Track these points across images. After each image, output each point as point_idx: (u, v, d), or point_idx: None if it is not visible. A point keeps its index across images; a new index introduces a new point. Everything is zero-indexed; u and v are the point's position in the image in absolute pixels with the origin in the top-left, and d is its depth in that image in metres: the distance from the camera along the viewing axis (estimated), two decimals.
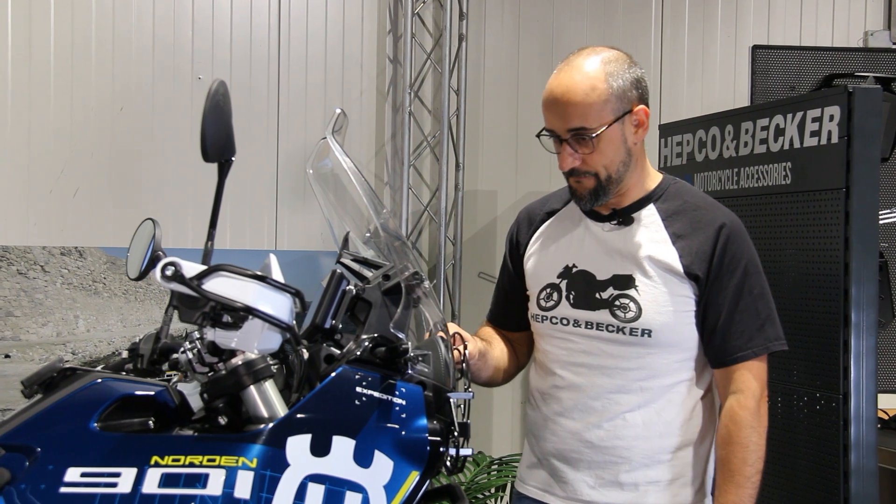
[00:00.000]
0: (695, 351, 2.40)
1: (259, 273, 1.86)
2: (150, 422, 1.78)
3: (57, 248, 4.48)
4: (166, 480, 1.67)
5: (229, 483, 1.68)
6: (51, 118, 4.52)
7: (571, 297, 2.45)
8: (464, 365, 2.16)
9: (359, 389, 1.84)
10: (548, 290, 2.50)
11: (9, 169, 4.45)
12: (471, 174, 5.22)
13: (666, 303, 2.35)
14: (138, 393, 1.81)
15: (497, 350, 2.56)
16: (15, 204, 4.46)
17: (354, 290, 2.01)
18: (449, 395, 1.98)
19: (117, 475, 1.67)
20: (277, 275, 1.91)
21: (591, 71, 2.33)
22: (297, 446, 1.74)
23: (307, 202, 4.77)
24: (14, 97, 4.46)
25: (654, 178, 2.49)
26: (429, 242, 5.25)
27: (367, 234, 2.37)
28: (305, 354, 1.90)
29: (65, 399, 1.78)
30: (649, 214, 2.43)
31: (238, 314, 1.83)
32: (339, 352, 1.92)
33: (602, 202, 2.42)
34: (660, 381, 2.38)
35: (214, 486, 1.67)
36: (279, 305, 1.85)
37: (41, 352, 4.39)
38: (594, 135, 2.31)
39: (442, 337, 2.10)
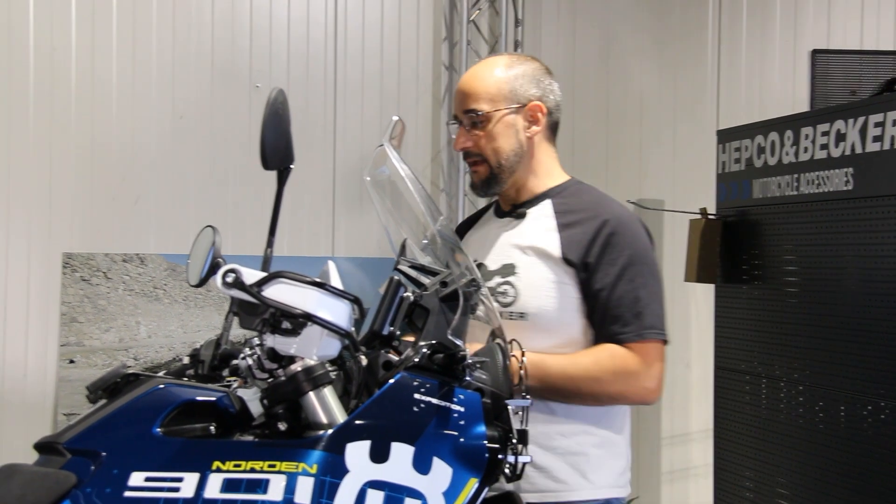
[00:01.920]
0: (579, 336, 2.43)
1: (318, 280, 1.87)
2: (212, 427, 1.80)
3: (119, 254, 4.54)
4: (228, 486, 1.69)
5: (290, 489, 1.69)
6: (113, 127, 4.58)
7: None
8: (522, 372, 2.15)
9: (417, 396, 1.84)
10: None
11: (72, 177, 4.52)
12: None
13: (542, 287, 2.42)
14: (200, 398, 1.82)
15: None
16: (78, 212, 4.53)
17: (412, 297, 2.01)
18: (507, 402, 1.97)
19: (180, 480, 1.69)
20: (336, 282, 1.91)
21: (494, 64, 2.58)
22: (357, 452, 1.75)
23: (364, 209, 4.79)
24: (77, 106, 4.53)
25: (558, 179, 2.62)
26: None
27: (425, 241, 2.37)
28: (364, 361, 1.90)
29: (128, 404, 1.80)
30: (543, 208, 2.55)
31: (297, 321, 1.84)
32: (397, 358, 1.93)
33: (495, 191, 2.58)
34: None
35: (275, 492, 1.68)
36: (338, 312, 1.86)
37: (104, 357, 4.45)
38: (480, 112, 2.49)
39: (499, 344, 2.10)
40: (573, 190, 2.61)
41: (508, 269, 2.47)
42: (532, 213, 2.55)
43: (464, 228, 2.80)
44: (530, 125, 2.55)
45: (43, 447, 1.82)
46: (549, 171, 2.62)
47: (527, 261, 2.45)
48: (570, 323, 2.42)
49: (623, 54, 5.43)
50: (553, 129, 2.62)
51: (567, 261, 2.42)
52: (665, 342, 2.44)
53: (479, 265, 2.54)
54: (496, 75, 2.54)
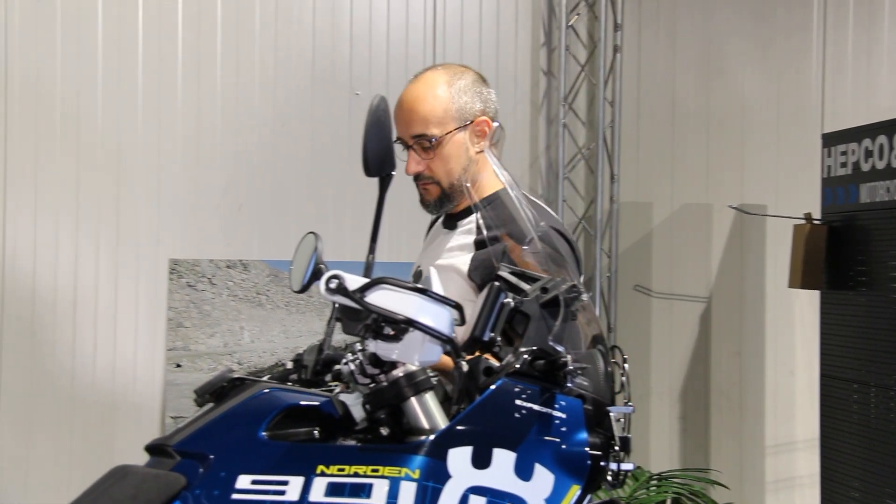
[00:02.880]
0: None
1: (420, 286, 1.88)
2: (315, 431, 1.82)
3: (223, 261, 4.62)
4: (332, 490, 1.70)
5: (392, 493, 1.70)
6: (217, 136, 4.67)
7: None
8: (624, 379, 2.13)
9: (518, 402, 1.83)
10: None
11: (178, 186, 4.62)
12: (626, 186, 5.17)
13: None
14: (303, 403, 1.85)
15: None
16: (184, 219, 4.63)
17: (512, 303, 2.01)
18: (609, 408, 1.96)
19: (285, 483, 1.71)
20: (438, 287, 1.92)
21: (435, 83, 2.56)
22: (459, 458, 1.75)
23: None
24: (184, 117, 4.63)
25: (495, 187, 2.58)
26: (584, 255, 5.22)
27: (525, 247, 2.37)
28: (465, 367, 1.91)
29: (235, 408, 1.83)
30: (469, 222, 2.57)
31: (399, 326, 1.85)
32: (497, 364, 1.93)
33: (447, 209, 2.59)
34: None
35: (378, 497, 1.70)
36: (440, 318, 1.86)
37: (209, 361, 4.54)
38: (434, 139, 2.50)
39: (601, 350, 2.09)
40: (501, 202, 2.57)
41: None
42: (461, 225, 2.60)
43: (430, 228, 2.85)
44: (479, 140, 2.57)
45: (153, 449, 1.86)
46: (489, 179, 2.61)
47: (443, 276, 2.40)
48: None
49: (724, 56, 5.35)
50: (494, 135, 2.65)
51: (472, 279, 2.45)
52: None
53: (419, 271, 2.64)
54: (440, 95, 2.54)
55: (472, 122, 2.55)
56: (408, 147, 2.56)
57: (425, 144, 2.51)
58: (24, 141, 4.41)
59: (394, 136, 2.10)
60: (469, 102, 2.55)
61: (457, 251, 2.53)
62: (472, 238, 2.54)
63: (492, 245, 2.46)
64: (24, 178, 4.41)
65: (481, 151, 2.58)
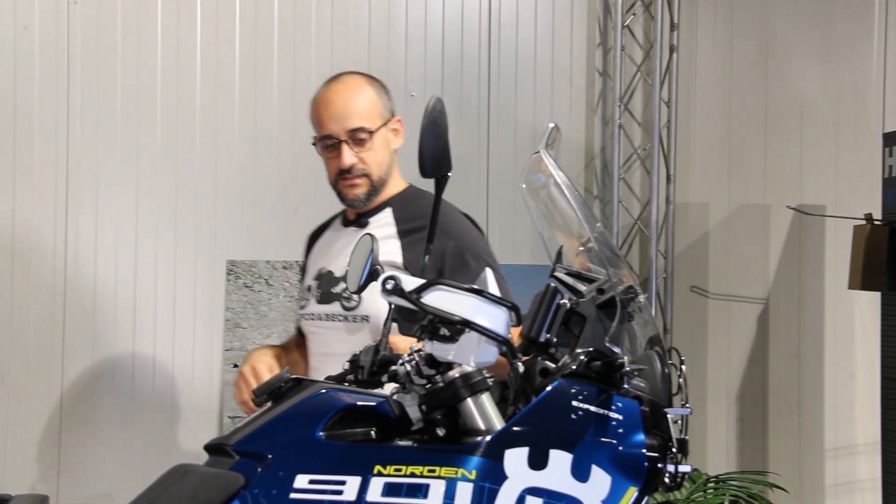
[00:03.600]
0: None
1: (476, 287, 1.89)
2: (372, 432, 1.83)
3: (279, 262, 4.65)
4: (389, 490, 1.72)
5: (449, 494, 1.70)
6: (274, 138, 4.70)
7: (318, 294, 2.78)
8: (681, 380, 2.12)
9: (575, 403, 1.83)
10: (306, 291, 2.85)
11: (236, 188, 4.65)
12: (682, 187, 5.13)
13: None
14: (360, 404, 1.86)
15: (294, 356, 2.89)
16: (241, 221, 4.66)
17: (569, 304, 2.01)
18: (666, 410, 1.95)
19: (343, 483, 1.73)
20: (494, 289, 1.92)
21: (360, 82, 2.80)
22: (515, 459, 1.75)
23: (518, 216, 4.79)
24: (241, 119, 4.66)
25: (399, 186, 2.84)
26: (639, 256, 5.19)
27: (581, 248, 2.37)
28: (521, 368, 1.91)
29: (292, 408, 1.85)
30: (384, 216, 2.76)
31: (455, 327, 1.85)
32: (554, 365, 1.93)
33: (371, 202, 2.76)
34: None
35: (435, 497, 1.70)
36: (496, 319, 1.86)
37: None
38: (372, 131, 2.70)
39: (658, 351, 2.08)
40: (410, 197, 2.81)
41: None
42: (373, 221, 2.75)
43: (313, 238, 3.02)
44: (395, 137, 2.81)
45: (212, 448, 1.89)
46: (394, 179, 2.82)
47: None
48: None
49: (782, 55, 5.29)
50: None
51: (409, 268, 2.57)
52: None
53: (327, 272, 2.76)
54: (370, 92, 2.77)
55: (390, 119, 2.78)
56: (337, 144, 2.72)
57: (362, 137, 2.71)
58: (86, 144, 4.47)
59: (449, 137, 2.10)
60: (387, 102, 2.80)
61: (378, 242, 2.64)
62: (391, 229, 2.70)
63: (415, 235, 2.62)
64: (86, 181, 4.47)
65: (395, 149, 2.81)
